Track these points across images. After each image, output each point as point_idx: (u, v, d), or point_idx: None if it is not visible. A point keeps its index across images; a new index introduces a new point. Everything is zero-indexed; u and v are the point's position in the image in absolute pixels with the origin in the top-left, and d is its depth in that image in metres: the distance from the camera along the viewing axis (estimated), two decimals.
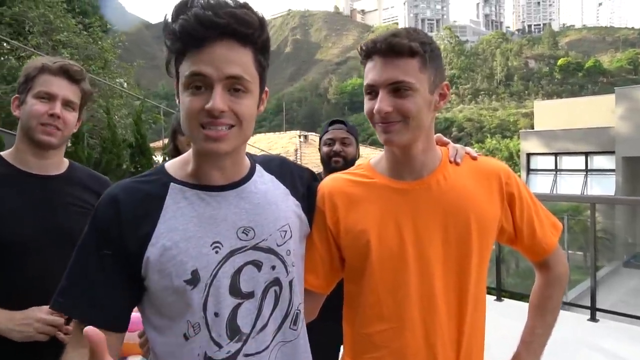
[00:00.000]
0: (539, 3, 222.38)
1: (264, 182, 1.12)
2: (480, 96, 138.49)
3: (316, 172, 1.56)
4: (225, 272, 1.00)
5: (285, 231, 1.09)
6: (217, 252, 1.00)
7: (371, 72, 1.13)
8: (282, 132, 24.46)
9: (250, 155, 1.16)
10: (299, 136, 21.85)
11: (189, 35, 0.92)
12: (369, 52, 1.14)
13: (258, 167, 1.14)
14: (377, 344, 1.17)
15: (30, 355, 1.38)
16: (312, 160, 15.37)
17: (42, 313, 1.36)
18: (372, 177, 1.24)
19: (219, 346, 0.99)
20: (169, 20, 0.96)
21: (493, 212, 1.20)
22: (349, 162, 2.21)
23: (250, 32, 0.95)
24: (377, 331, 1.17)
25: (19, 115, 1.50)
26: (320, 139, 2.38)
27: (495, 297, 5.45)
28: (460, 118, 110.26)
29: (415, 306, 1.15)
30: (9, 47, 11.52)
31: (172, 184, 1.04)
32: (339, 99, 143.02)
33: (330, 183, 1.26)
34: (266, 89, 1.06)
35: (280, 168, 1.19)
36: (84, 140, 10.02)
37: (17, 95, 1.52)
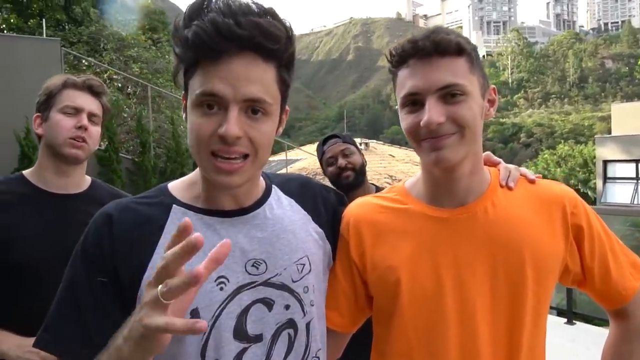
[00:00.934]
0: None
1: (281, 206, 0.99)
2: (551, 100, 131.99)
3: None
4: (230, 312, 0.87)
5: (304, 264, 0.96)
6: (221, 288, 0.87)
7: (410, 78, 0.94)
8: None
9: (266, 175, 1.03)
10: (360, 144, 21.72)
11: (204, 45, 0.79)
12: (405, 55, 0.95)
13: (274, 189, 1.01)
14: None
15: None
16: (372, 167, 15.18)
17: None
18: (405, 203, 1.06)
19: None
20: (180, 24, 0.82)
21: (554, 247, 0.99)
22: (358, 172, 2.08)
23: (276, 47, 0.83)
24: None
25: (42, 133, 1.49)
26: (320, 161, 2.21)
27: (565, 320, 5.03)
28: (530, 123, 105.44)
29: (453, 358, 0.97)
30: (86, 63, 12.32)
31: (174, 206, 0.91)
32: None
33: (355, 209, 1.09)
34: (287, 108, 0.93)
35: (301, 189, 1.05)
36: (150, 151, 10.50)
37: (38, 114, 1.50)
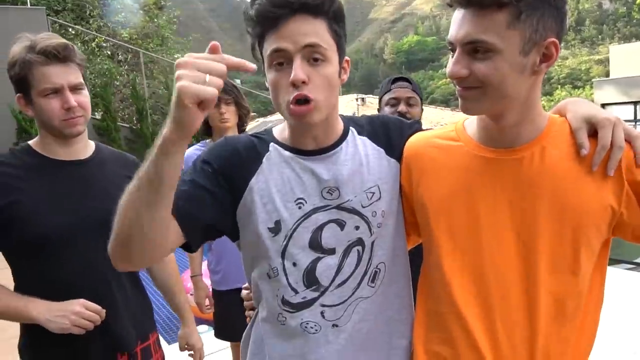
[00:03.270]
0: None
1: (355, 144, 1.14)
2: None
3: None
4: (306, 226, 1.06)
5: (373, 193, 1.10)
6: (300, 207, 1.07)
7: (452, 25, 0.96)
8: (338, 96, 24.06)
9: (344, 119, 1.18)
10: (357, 99, 21.51)
11: (264, 17, 0.98)
12: (452, 1, 0.96)
13: (351, 131, 1.16)
14: (446, 325, 1.06)
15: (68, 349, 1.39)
16: None
17: (78, 306, 1.35)
18: (458, 139, 1.08)
19: (295, 291, 1.07)
20: (246, 9, 1.03)
21: (596, 202, 0.96)
22: None
23: (319, 2, 0.99)
24: (446, 312, 1.06)
25: (33, 115, 1.43)
26: (380, 98, 2.12)
27: None
28: None
29: (485, 292, 1.01)
30: (73, 32, 12.03)
31: (272, 143, 1.12)
32: (396, 58, 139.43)
33: (411, 143, 1.15)
34: (347, 58, 1.09)
35: (374, 127, 1.19)
36: (147, 117, 10.42)
37: (19, 94, 1.42)
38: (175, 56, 15.02)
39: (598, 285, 1.03)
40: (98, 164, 1.52)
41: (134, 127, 10.35)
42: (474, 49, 0.91)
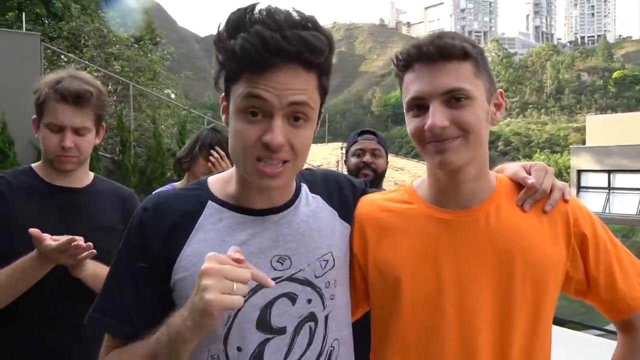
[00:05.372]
0: (593, 14, 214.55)
1: (308, 204, 1.02)
2: (528, 110, 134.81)
3: None
4: (254, 304, 0.92)
5: (327, 261, 0.99)
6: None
7: (415, 82, 0.93)
8: (323, 144, 24.38)
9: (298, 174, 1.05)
10: (341, 148, 21.79)
11: (251, 58, 0.81)
12: (411, 60, 0.94)
13: (304, 188, 1.04)
14: None
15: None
16: None
17: (50, 241, 1.34)
18: (410, 202, 1.06)
19: None
20: (224, 34, 0.85)
21: (554, 255, 0.97)
22: (378, 175, 2.08)
23: (319, 57, 0.86)
24: None
25: (38, 138, 1.52)
26: (347, 149, 2.22)
27: None
28: (507, 132, 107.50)
29: (452, 358, 0.96)
30: (65, 59, 12.10)
31: (209, 201, 0.97)
32: (382, 111, 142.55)
33: (362, 207, 1.09)
34: (322, 109, 0.97)
35: (329, 186, 1.08)
36: (130, 149, 10.37)
37: (35, 117, 1.53)
38: (165, 91, 15.16)
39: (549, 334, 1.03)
40: (91, 195, 1.59)
41: (115, 157, 10.27)
42: (453, 97, 0.92)
